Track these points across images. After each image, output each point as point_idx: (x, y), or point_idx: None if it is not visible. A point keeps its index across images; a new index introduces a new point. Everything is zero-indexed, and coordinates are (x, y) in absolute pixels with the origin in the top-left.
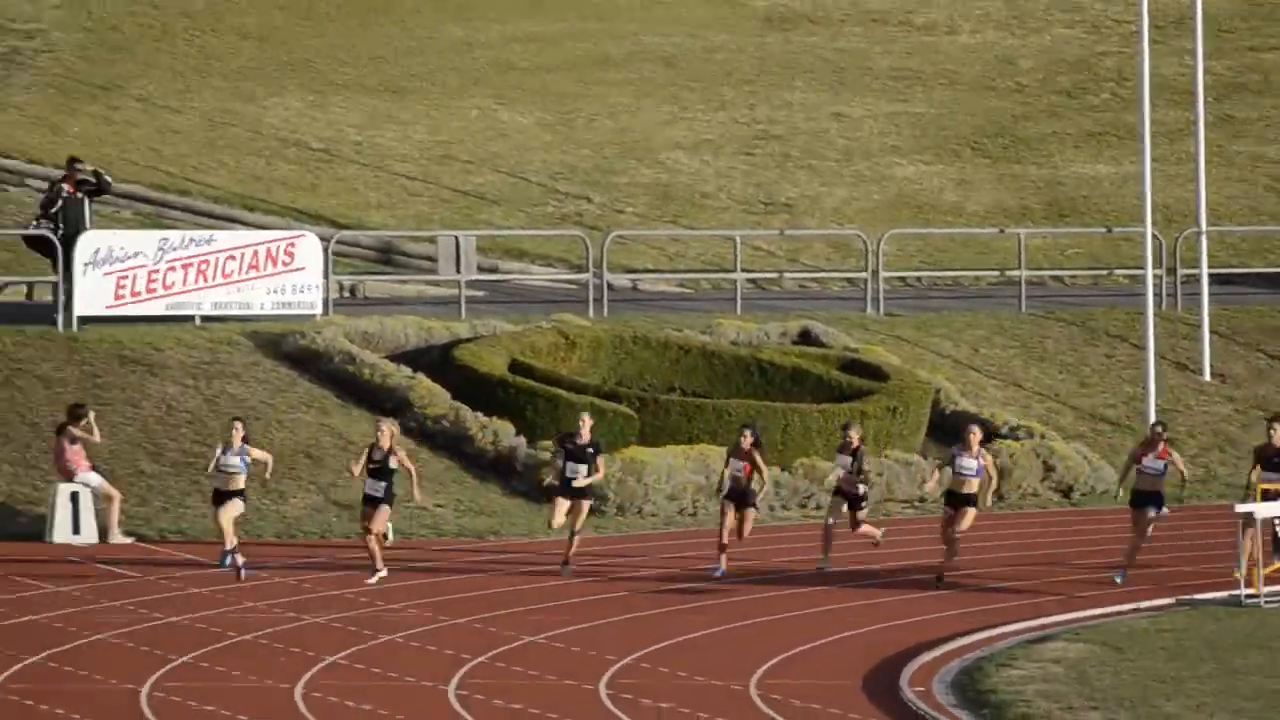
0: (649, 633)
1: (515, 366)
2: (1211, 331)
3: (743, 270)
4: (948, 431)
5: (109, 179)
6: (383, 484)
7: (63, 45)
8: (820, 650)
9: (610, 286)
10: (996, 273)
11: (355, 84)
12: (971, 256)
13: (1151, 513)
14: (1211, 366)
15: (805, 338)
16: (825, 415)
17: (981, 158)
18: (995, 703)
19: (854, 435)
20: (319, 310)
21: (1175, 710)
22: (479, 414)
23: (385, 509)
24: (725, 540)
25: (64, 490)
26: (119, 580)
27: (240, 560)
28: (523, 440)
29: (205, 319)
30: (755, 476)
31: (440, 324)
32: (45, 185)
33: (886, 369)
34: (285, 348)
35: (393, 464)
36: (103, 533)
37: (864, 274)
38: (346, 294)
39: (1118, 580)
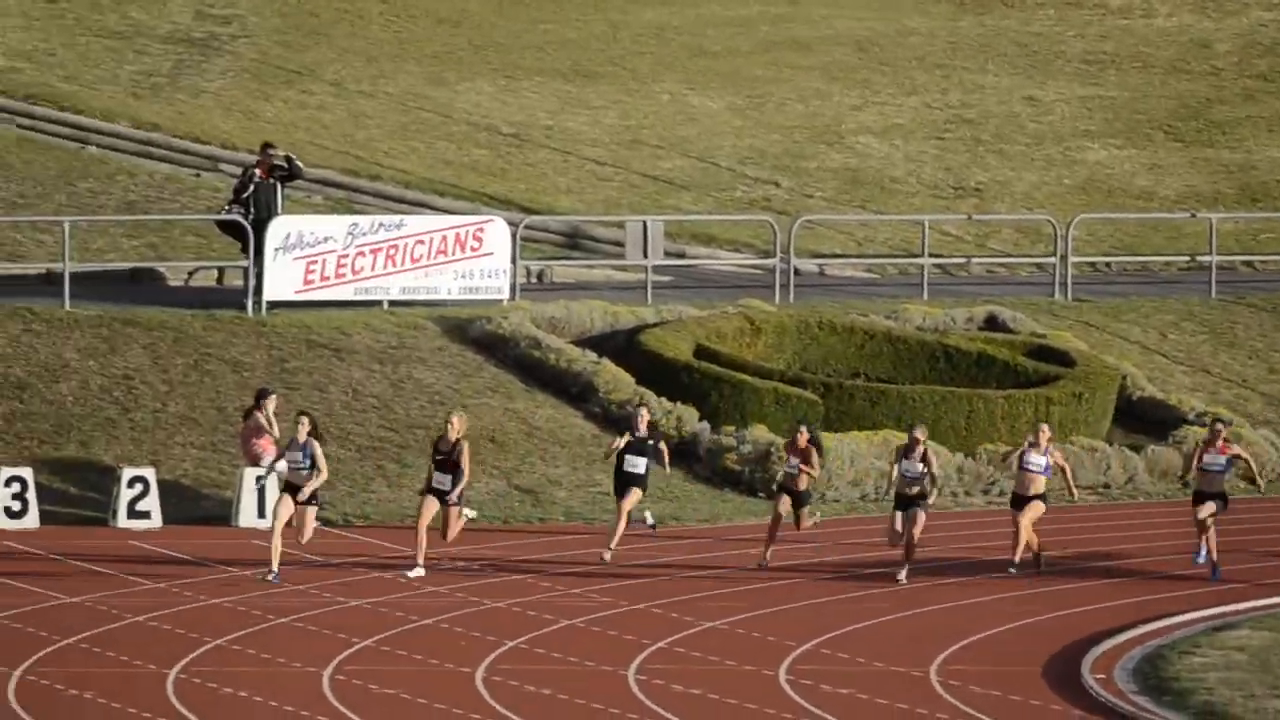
0: (830, 618)
1: (700, 352)
2: None
3: (930, 255)
4: (1135, 418)
5: (301, 164)
6: (449, 478)
7: (258, 31)
8: (999, 637)
9: (797, 271)
10: (1186, 258)
11: (547, 69)
12: (1161, 241)
13: (1211, 507)
14: None
15: (991, 323)
16: (1010, 401)
17: (1174, 142)
18: (1177, 690)
19: (920, 434)
20: (506, 295)
21: None
22: (663, 399)
23: (453, 505)
24: (775, 532)
25: (250, 474)
26: (302, 565)
27: (274, 575)
28: (706, 425)
29: (393, 304)
30: (806, 476)
31: (626, 309)
32: (238, 170)
33: (1073, 355)
34: (472, 333)
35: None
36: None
37: (1052, 259)
38: (534, 279)
39: (1198, 561)
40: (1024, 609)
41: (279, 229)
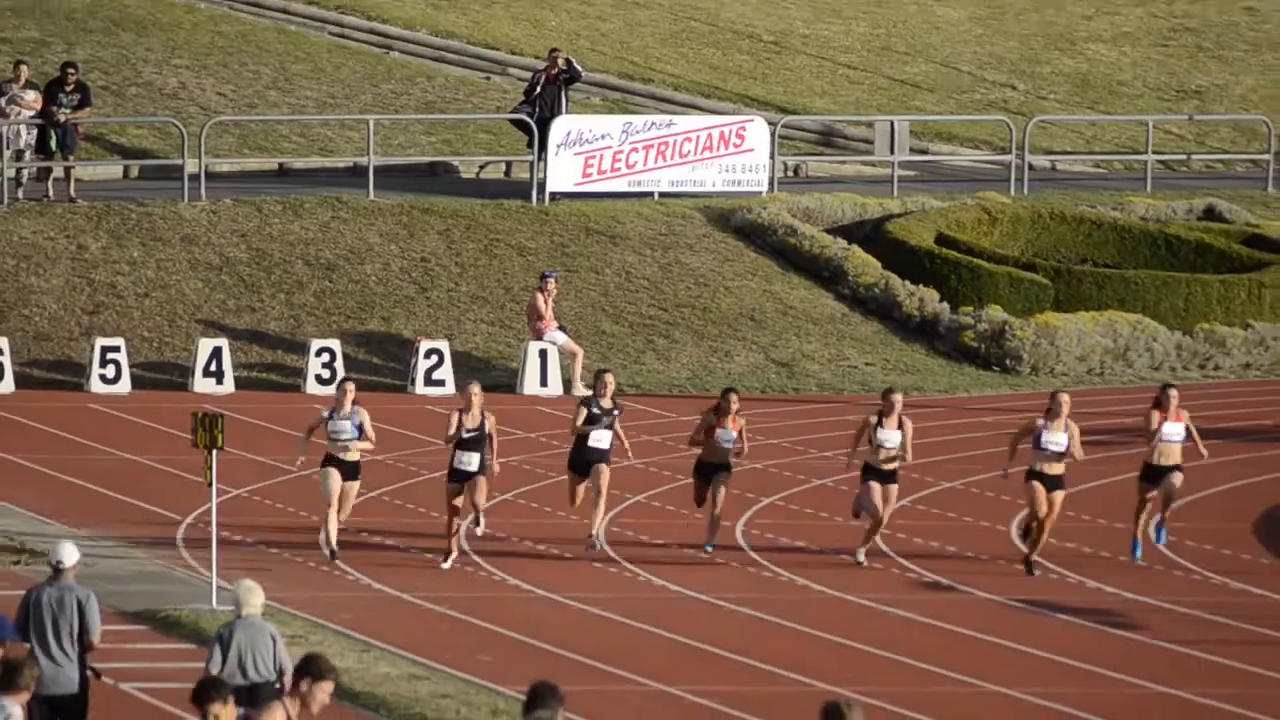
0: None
1: (941, 239)
2: None
3: (1153, 152)
4: None
5: (581, 68)
6: (476, 455)
7: None
8: (1212, 498)
9: (1031, 167)
10: None
11: None
12: None
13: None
14: None
15: (1209, 214)
16: (1226, 285)
17: None
18: None
19: (897, 398)
20: (765, 188)
21: None
22: (906, 282)
23: (482, 480)
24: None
25: (534, 347)
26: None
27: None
28: (946, 306)
29: (663, 195)
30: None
31: (874, 201)
32: (526, 74)
33: None
34: (734, 221)
35: (487, 428)
36: (566, 385)
37: (1267, 156)
38: (790, 173)
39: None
40: (1234, 473)
41: (561, 127)
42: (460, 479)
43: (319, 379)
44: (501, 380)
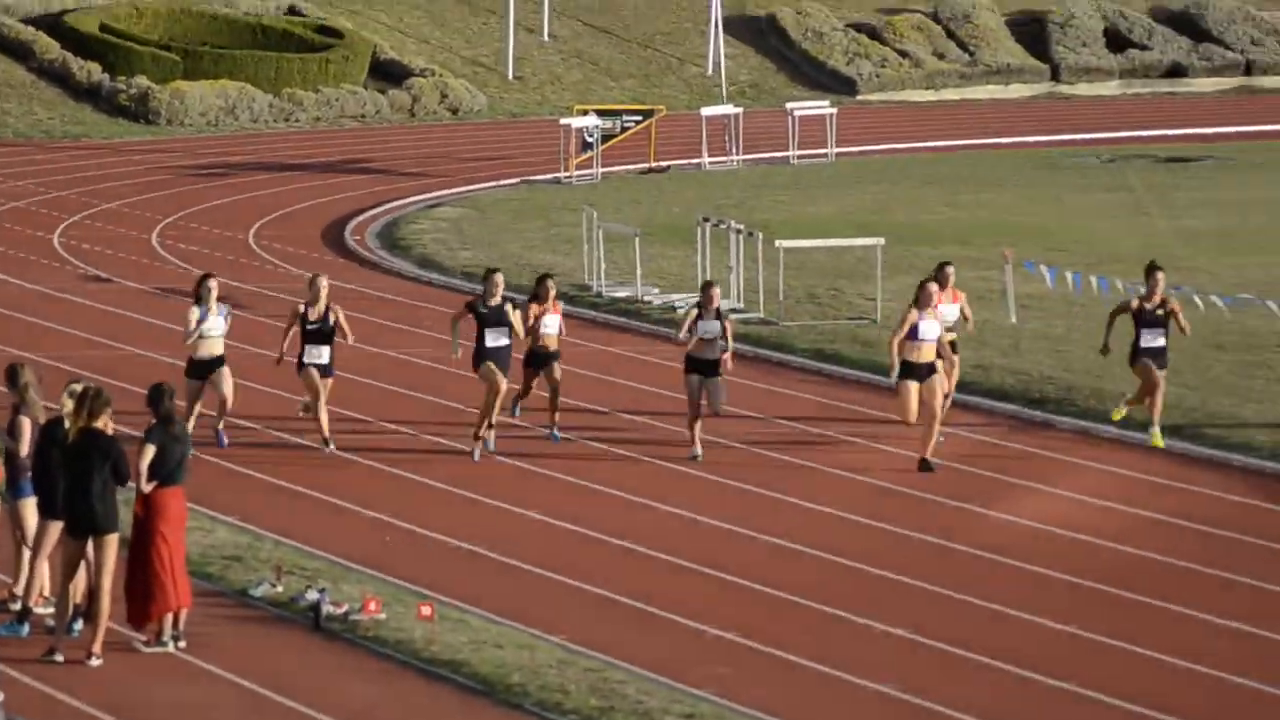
0: None
1: (103, 28)
2: None
3: None
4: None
5: None
6: (326, 349)
7: None
8: (294, 215)
9: None
10: None
11: None
12: None
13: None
14: None
15: (292, 10)
16: (304, 61)
17: None
18: (405, 245)
19: (716, 293)
20: None
21: (518, 250)
22: (79, 59)
23: (330, 380)
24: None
25: None
26: None
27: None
28: (107, 76)
29: None
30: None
31: None
32: None
33: (340, 30)
34: None
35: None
36: None
37: None
38: None
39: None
40: (313, 193)
41: None
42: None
43: None
44: None
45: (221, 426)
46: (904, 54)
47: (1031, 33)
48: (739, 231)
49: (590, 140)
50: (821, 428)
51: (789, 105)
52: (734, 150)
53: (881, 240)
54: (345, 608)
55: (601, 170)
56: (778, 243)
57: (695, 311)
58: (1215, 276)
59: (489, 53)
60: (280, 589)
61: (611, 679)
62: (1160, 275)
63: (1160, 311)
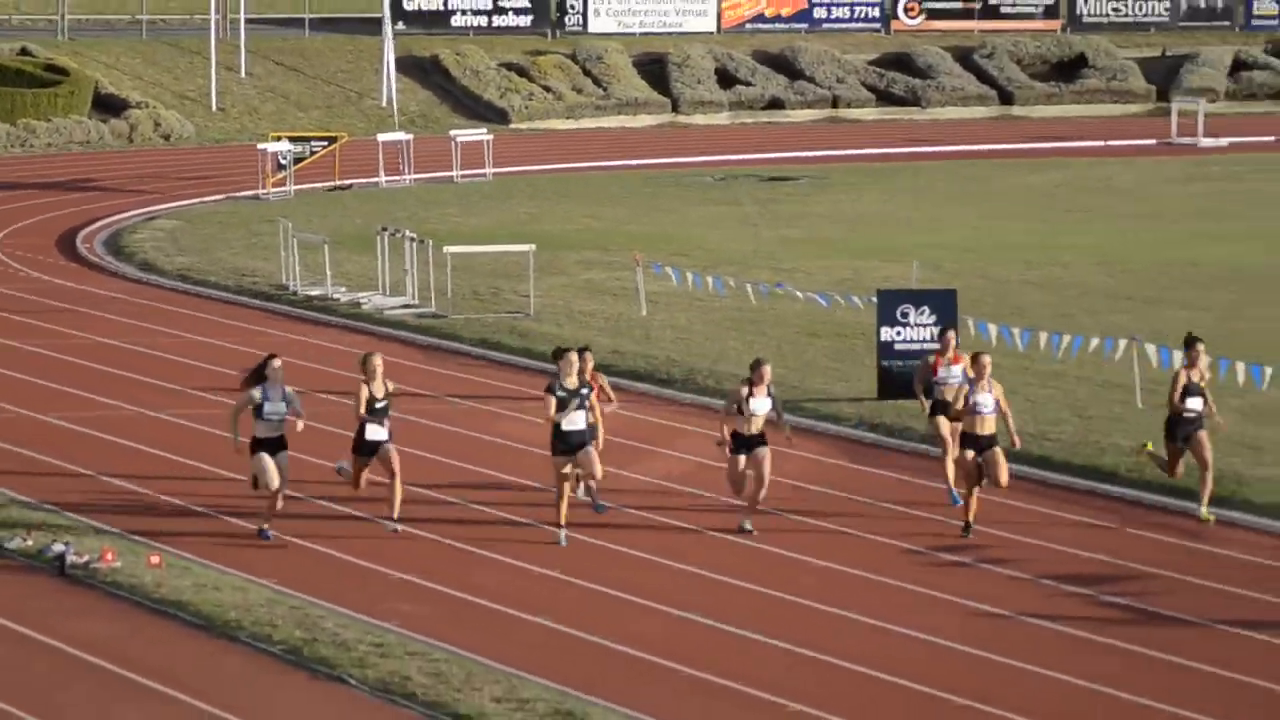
0: None
1: None
2: None
3: None
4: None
5: None
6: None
7: None
8: (32, 227)
9: None
10: None
11: None
12: None
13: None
14: None
15: (24, 51)
16: (35, 95)
17: None
18: (128, 252)
19: (766, 371)
20: None
21: (225, 256)
22: None
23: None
24: None
25: None
26: None
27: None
28: None
29: None
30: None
31: None
32: None
33: (63, 67)
34: None
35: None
36: None
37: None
38: None
39: None
40: (47, 209)
41: None
42: (369, 451)
43: None
44: None
45: None
46: (548, 89)
47: (654, 71)
48: (412, 239)
49: (284, 163)
50: (486, 405)
51: (452, 133)
52: (407, 170)
53: (533, 246)
54: (86, 558)
55: (294, 188)
56: (445, 249)
57: (745, 390)
58: (810, 276)
59: (195, 88)
60: (30, 543)
61: (313, 615)
62: (1201, 347)
63: (1201, 382)
